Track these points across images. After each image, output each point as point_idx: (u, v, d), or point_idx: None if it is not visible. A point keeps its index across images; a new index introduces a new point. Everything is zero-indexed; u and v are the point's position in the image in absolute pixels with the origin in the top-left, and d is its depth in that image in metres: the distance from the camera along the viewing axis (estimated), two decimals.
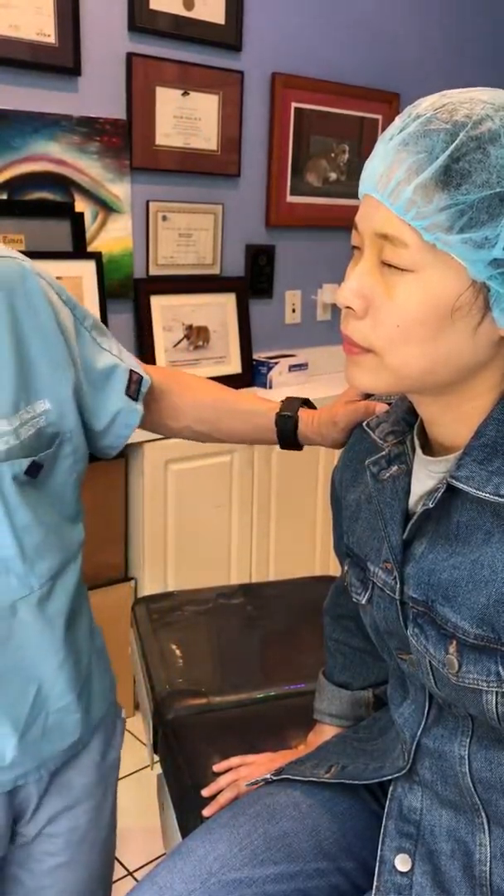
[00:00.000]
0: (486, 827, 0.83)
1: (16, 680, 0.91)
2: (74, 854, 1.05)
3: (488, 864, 0.83)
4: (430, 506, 0.77)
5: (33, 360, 0.86)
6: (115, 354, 1.00)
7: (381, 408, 0.95)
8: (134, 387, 0.99)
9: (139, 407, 1.00)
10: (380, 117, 2.77)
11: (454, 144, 0.65)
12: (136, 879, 1.73)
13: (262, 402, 1.12)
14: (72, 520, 0.95)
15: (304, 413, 1.08)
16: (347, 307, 0.73)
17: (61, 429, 0.90)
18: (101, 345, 0.98)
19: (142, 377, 1.02)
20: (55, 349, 0.88)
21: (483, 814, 0.83)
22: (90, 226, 2.16)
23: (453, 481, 0.75)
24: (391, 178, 0.67)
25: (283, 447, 1.11)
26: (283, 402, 1.10)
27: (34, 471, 0.86)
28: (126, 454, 2.14)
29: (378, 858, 0.88)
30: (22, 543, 0.86)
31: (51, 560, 0.90)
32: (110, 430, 0.99)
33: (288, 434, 1.07)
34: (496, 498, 0.72)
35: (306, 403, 1.11)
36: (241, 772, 1.12)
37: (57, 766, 1.01)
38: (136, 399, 1.00)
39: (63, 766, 1.02)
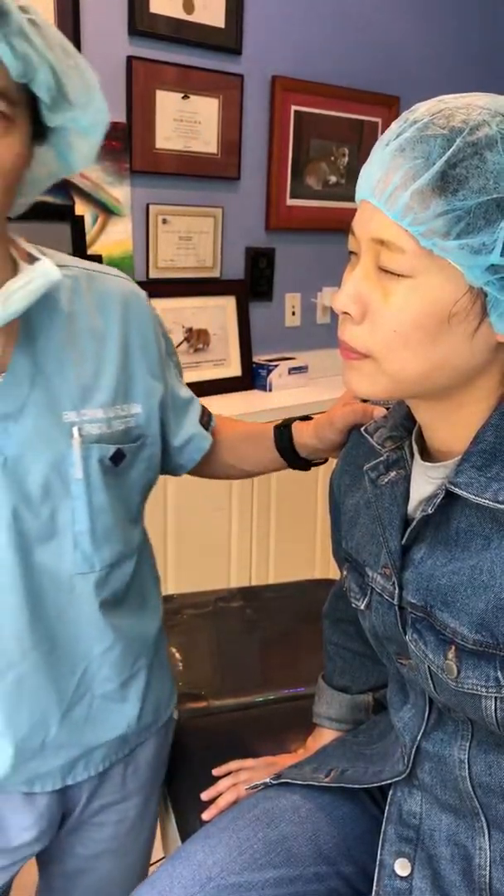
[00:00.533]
0: (485, 831, 0.83)
1: (68, 654, 0.96)
2: (120, 843, 1.11)
3: (488, 868, 0.83)
4: (430, 511, 0.77)
5: (134, 368, 0.98)
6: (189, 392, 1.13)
7: (378, 411, 0.95)
8: (205, 419, 1.12)
9: (209, 437, 1.12)
10: (380, 120, 2.77)
11: (451, 150, 0.65)
12: None
13: (265, 424, 1.17)
14: (133, 521, 1.03)
15: (299, 422, 1.12)
16: (345, 312, 0.73)
17: (145, 433, 0.99)
18: (180, 380, 1.11)
19: (210, 415, 1.15)
20: (152, 365, 1.00)
21: (483, 818, 0.83)
22: (90, 229, 2.17)
23: (452, 487, 0.75)
24: (388, 184, 0.67)
25: (286, 461, 1.12)
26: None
27: (118, 459, 0.95)
28: None
29: (377, 863, 0.88)
30: (94, 523, 0.93)
31: (112, 548, 0.97)
32: (184, 451, 1.10)
33: (285, 443, 1.10)
34: (495, 504, 0.72)
35: (306, 419, 1.15)
36: (240, 776, 1.12)
37: (106, 768, 1.05)
38: (206, 430, 1.12)
39: (116, 762, 1.06)
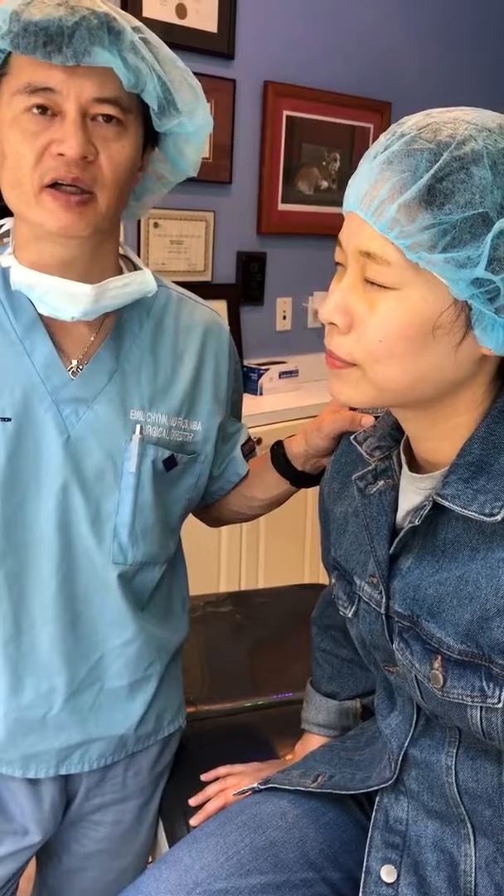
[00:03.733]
0: (471, 837, 0.84)
1: (86, 638, 1.00)
2: (114, 845, 1.12)
3: (473, 874, 0.83)
4: (417, 523, 0.78)
5: (202, 390, 1.05)
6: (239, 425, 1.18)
7: (366, 419, 0.95)
8: (247, 447, 1.16)
9: (246, 465, 1.15)
10: (371, 126, 2.78)
11: (438, 164, 0.65)
12: None
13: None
14: (170, 532, 1.07)
15: (290, 437, 1.14)
16: (331, 323, 0.73)
17: (200, 450, 1.06)
18: (234, 417, 1.17)
19: (254, 446, 1.18)
20: (220, 392, 1.08)
21: (469, 824, 0.84)
22: None
23: (439, 499, 0.75)
24: (375, 197, 0.68)
25: (286, 478, 1.12)
26: None
27: (169, 464, 1.01)
28: None
29: (364, 869, 0.88)
30: (134, 519, 0.99)
31: (147, 548, 1.01)
32: (222, 476, 1.14)
33: (279, 457, 1.12)
34: (481, 516, 0.72)
35: None
36: (228, 781, 1.12)
37: (108, 764, 1.06)
38: (245, 457, 1.15)
39: (117, 763, 1.08)
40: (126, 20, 0.85)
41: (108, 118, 0.85)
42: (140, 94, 0.87)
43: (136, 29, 0.86)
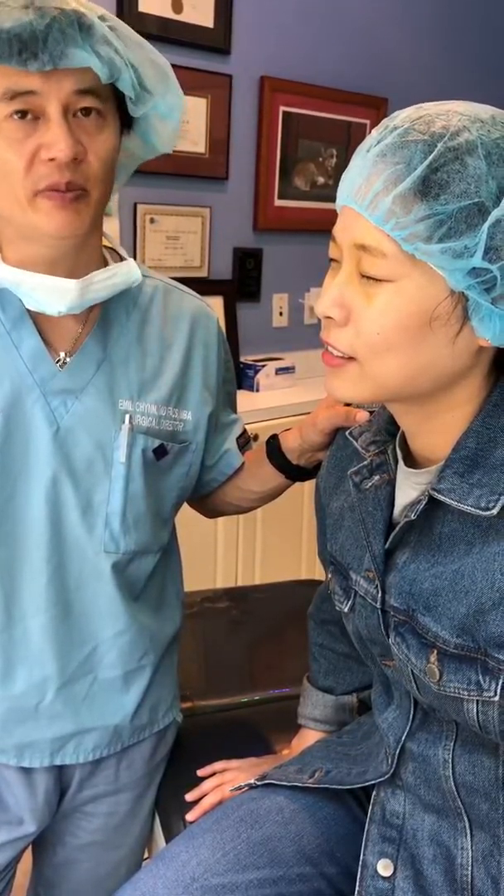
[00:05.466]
0: (468, 831, 0.84)
1: (79, 628, 1.01)
2: (108, 837, 1.13)
3: (470, 867, 0.83)
4: (413, 517, 0.78)
5: (191, 378, 1.05)
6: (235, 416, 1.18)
7: (361, 415, 0.95)
8: (242, 440, 1.16)
9: (241, 457, 1.15)
10: (368, 122, 2.78)
11: (432, 155, 0.65)
12: None
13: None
14: (163, 522, 1.07)
15: (285, 431, 1.14)
16: (328, 317, 0.73)
17: (191, 439, 1.06)
18: (228, 406, 1.17)
19: (249, 439, 1.18)
20: (210, 380, 1.08)
21: (465, 818, 0.84)
22: None
23: (435, 493, 0.75)
24: (369, 190, 0.68)
25: (282, 471, 1.12)
26: None
27: (160, 453, 1.02)
28: None
29: (360, 863, 0.88)
30: (125, 508, 0.99)
31: (138, 538, 1.02)
32: (216, 467, 1.14)
33: (274, 451, 1.12)
34: (477, 510, 0.72)
35: None
36: (225, 776, 1.12)
37: (103, 756, 1.07)
38: (241, 449, 1.15)
39: (111, 756, 1.08)
40: (92, 10, 0.84)
41: (87, 111, 0.84)
42: (115, 84, 0.87)
43: (101, 18, 0.85)
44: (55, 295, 0.90)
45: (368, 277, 0.70)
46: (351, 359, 0.73)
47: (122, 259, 1.00)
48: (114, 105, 0.89)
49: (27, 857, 1.15)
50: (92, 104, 0.84)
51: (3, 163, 0.83)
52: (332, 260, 0.75)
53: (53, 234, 0.86)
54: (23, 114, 0.82)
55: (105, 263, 0.97)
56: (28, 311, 0.94)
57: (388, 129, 0.69)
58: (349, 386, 0.75)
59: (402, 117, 0.69)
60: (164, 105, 0.93)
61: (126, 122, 0.93)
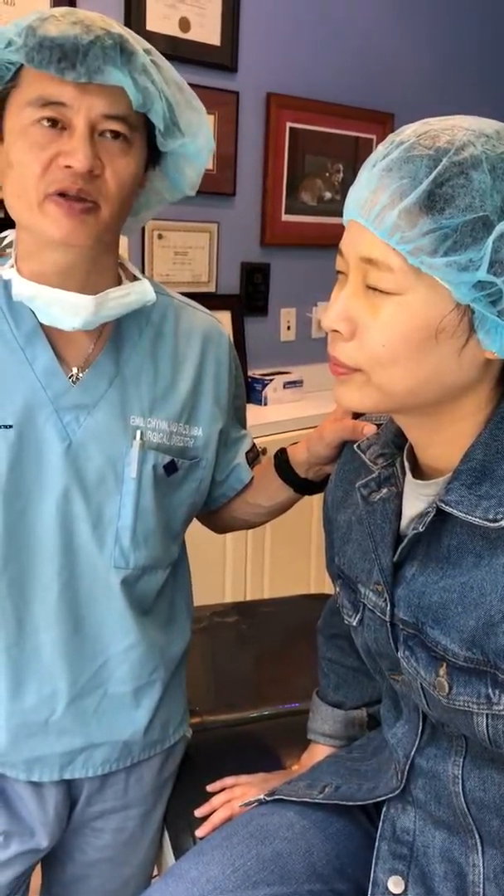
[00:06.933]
0: (479, 848, 0.83)
1: (90, 642, 1.01)
2: (117, 853, 1.13)
3: (482, 885, 0.82)
4: (420, 529, 0.78)
5: (203, 395, 1.06)
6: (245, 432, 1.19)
7: (368, 428, 0.95)
8: (251, 454, 1.17)
9: (250, 471, 1.16)
10: (374, 137, 2.79)
11: (437, 169, 0.66)
12: None
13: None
14: (173, 537, 1.08)
15: (293, 445, 1.14)
16: (334, 330, 0.73)
17: (201, 455, 1.07)
18: (238, 423, 1.18)
19: (258, 453, 1.19)
20: (220, 397, 1.09)
21: (476, 834, 0.83)
22: None
23: (443, 505, 0.75)
24: (376, 204, 0.68)
25: (290, 485, 1.13)
26: None
27: (170, 469, 1.03)
28: None
29: (371, 880, 0.87)
30: (136, 523, 1.00)
31: (148, 553, 1.02)
32: (226, 482, 1.14)
33: (283, 464, 1.12)
34: (485, 522, 0.72)
35: None
36: (234, 792, 1.11)
37: (112, 770, 1.07)
38: (250, 464, 1.16)
39: (120, 771, 1.08)
40: (138, 43, 0.88)
41: (116, 135, 0.87)
42: (147, 114, 0.89)
43: (147, 51, 0.89)
44: (70, 310, 0.91)
45: (375, 289, 0.70)
46: (358, 369, 0.73)
47: (136, 279, 1.01)
48: (143, 136, 0.91)
49: (36, 874, 1.15)
50: (120, 129, 0.87)
51: (22, 165, 0.86)
52: (339, 272, 0.75)
53: (58, 238, 0.87)
54: (53, 122, 0.85)
55: (120, 282, 0.99)
56: (42, 326, 0.95)
57: (395, 143, 0.70)
58: (356, 395, 0.75)
59: (408, 132, 0.70)
60: (194, 146, 0.96)
61: (154, 159, 0.95)
